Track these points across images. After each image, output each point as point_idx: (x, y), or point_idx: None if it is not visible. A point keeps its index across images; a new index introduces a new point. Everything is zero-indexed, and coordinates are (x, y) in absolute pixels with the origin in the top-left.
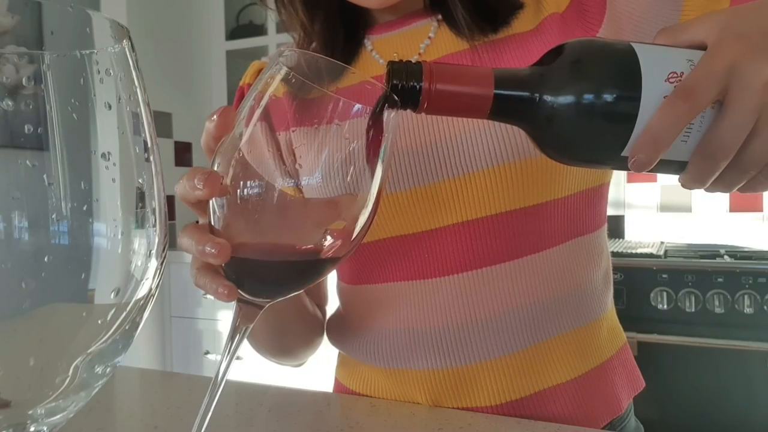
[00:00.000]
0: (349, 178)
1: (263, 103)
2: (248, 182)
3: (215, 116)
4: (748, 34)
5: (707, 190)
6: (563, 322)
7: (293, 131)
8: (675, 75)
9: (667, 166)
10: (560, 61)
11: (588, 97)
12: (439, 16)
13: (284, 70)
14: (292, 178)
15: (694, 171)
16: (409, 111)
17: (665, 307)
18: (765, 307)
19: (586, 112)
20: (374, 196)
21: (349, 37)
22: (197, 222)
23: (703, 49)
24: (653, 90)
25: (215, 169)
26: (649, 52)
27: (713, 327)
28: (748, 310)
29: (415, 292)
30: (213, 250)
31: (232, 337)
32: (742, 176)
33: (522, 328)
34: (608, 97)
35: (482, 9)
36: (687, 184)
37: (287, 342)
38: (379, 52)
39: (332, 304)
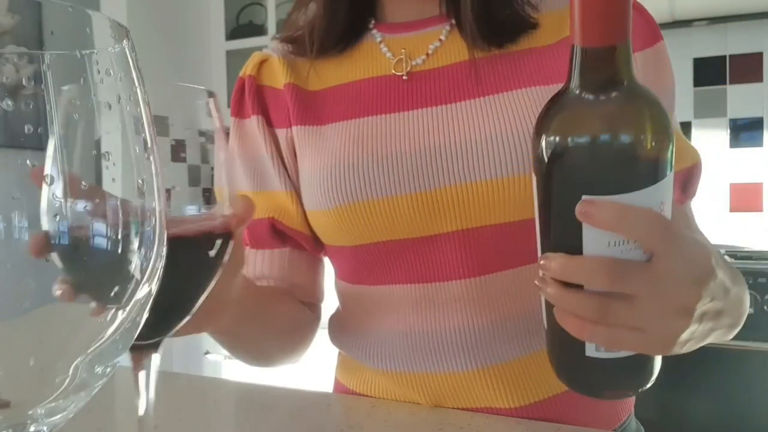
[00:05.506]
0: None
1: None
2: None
3: None
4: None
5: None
6: None
7: (297, 136)
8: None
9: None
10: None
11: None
12: (453, 21)
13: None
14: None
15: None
16: (410, 111)
17: None
18: (765, 307)
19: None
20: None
21: (354, 21)
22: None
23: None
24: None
25: None
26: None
27: None
28: (748, 310)
29: (414, 296)
30: None
31: (143, 378)
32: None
33: (522, 336)
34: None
35: (492, 21)
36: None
37: (262, 353)
38: (390, 48)
39: (333, 303)
